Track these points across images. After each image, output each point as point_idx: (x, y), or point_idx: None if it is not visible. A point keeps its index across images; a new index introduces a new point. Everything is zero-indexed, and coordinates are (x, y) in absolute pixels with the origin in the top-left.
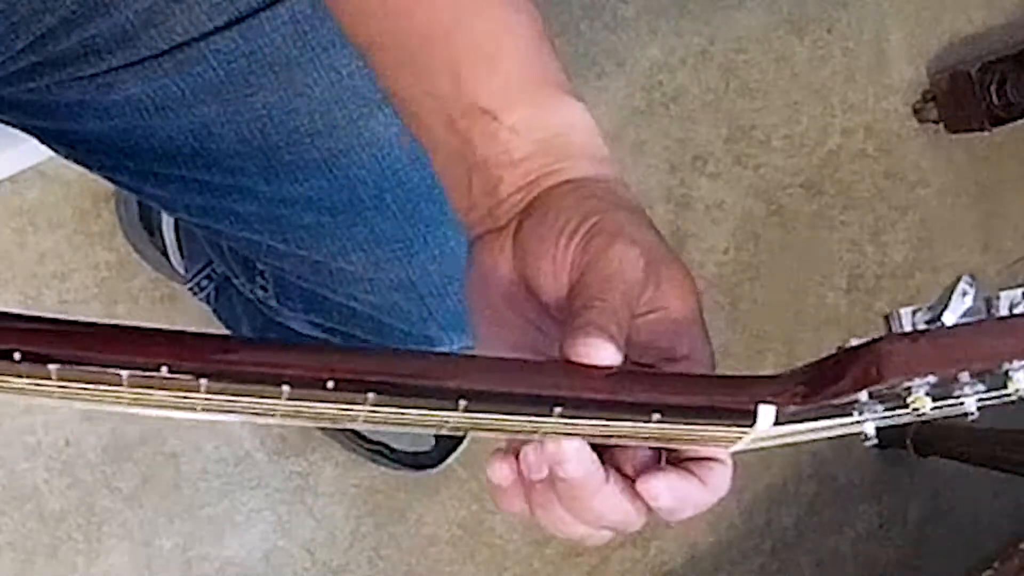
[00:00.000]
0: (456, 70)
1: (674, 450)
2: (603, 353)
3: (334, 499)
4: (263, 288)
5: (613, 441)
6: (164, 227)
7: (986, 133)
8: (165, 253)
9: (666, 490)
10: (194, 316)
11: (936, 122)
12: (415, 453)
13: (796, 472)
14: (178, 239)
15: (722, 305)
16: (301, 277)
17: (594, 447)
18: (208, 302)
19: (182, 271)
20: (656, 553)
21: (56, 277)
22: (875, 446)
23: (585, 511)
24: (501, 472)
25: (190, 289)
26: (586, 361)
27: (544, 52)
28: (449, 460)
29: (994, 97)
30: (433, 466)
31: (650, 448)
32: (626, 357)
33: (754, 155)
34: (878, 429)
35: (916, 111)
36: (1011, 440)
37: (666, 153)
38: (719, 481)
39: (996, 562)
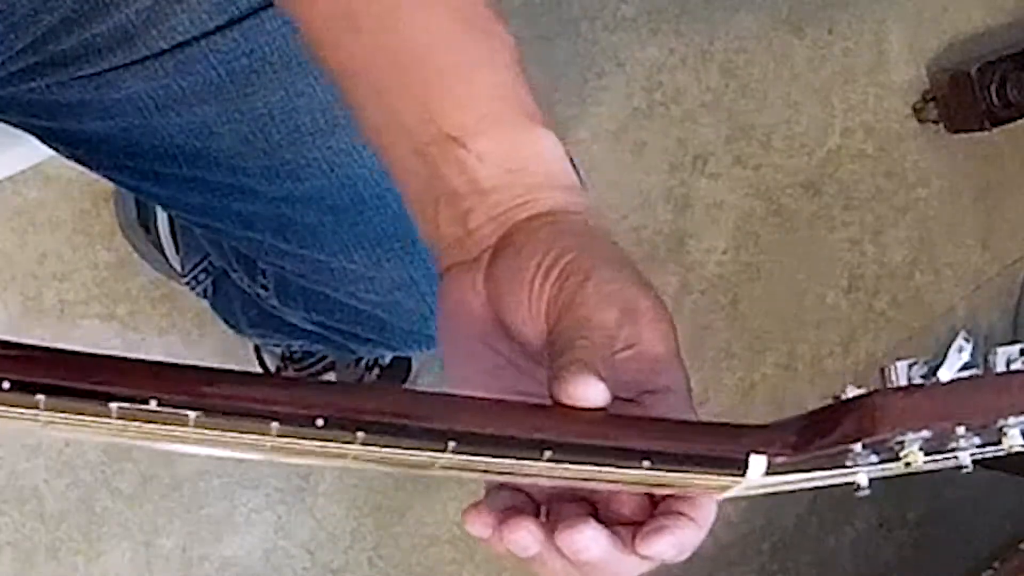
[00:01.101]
0: (425, 98)
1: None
2: (593, 391)
3: (334, 499)
4: (264, 287)
5: (601, 486)
6: (159, 223)
7: (986, 133)
8: (162, 250)
9: (669, 547)
10: (194, 316)
11: (936, 122)
12: None
13: None
14: (173, 235)
15: (722, 305)
16: (302, 276)
17: (588, 498)
18: (205, 296)
19: (178, 267)
20: None
21: (56, 277)
22: None
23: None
24: (478, 528)
25: (187, 283)
26: (576, 401)
27: (516, 81)
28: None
29: (994, 97)
30: None
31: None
32: None
33: (754, 155)
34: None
35: (916, 111)
36: None
37: (666, 153)
38: (708, 513)
39: (996, 562)
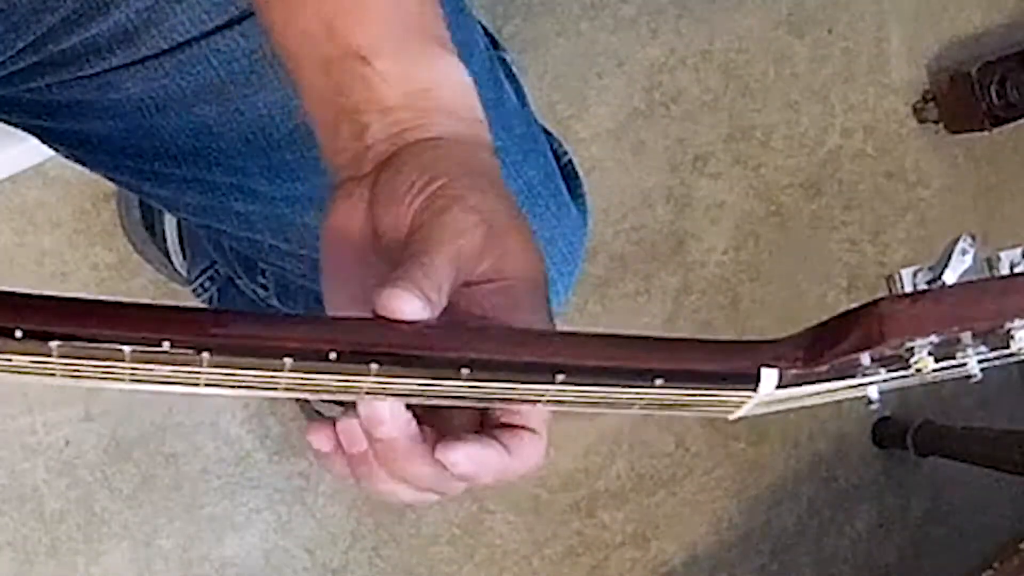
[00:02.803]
0: (327, 11)
1: (496, 412)
2: (407, 306)
3: (334, 499)
4: (264, 287)
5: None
6: (167, 228)
7: (986, 133)
8: (167, 254)
9: (464, 459)
10: None
11: (936, 122)
12: None
13: (796, 472)
14: (180, 240)
15: (722, 305)
16: (303, 276)
17: (419, 415)
18: (210, 303)
19: (184, 273)
20: (656, 553)
21: (56, 277)
22: (875, 446)
23: (400, 472)
24: (319, 440)
25: (193, 291)
26: (386, 313)
27: (424, 6)
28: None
29: (994, 97)
30: None
31: (475, 409)
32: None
33: (754, 155)
34: (878, 423)
35: (916, 111)
36: (1011, 440)
37: (666, 153)
38: (528, 451)
39: (996, 562)
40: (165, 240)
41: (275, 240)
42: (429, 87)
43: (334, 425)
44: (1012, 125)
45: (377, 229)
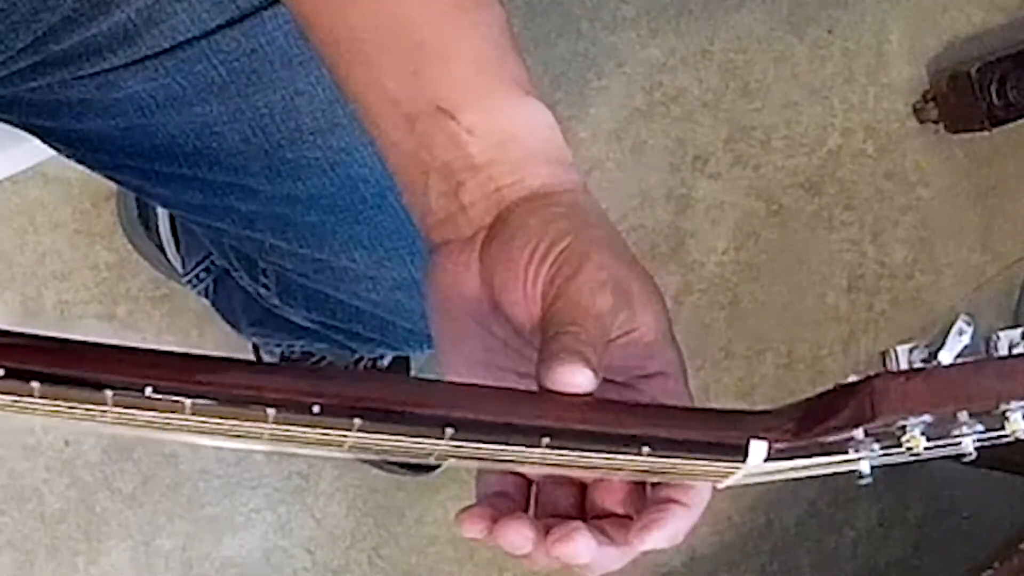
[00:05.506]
0: (410, 68)
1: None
2: (579, 379)
3: (334, 499)
4: (265, 287)
5: (600, 474)
6: (160, 222)
7: (986, 133)
8: (161, 248)
9: (664, 538)
10: (194, 316)
11: (936, 122)
12: None
13: None
14: (174, 234)
15: (722, 305)
16: (304, 275)
17: (575, 491)
18: (206, 295)
19: (179, 266)
20: (656, 553)
21: (56, 277)
22: None
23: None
24: (472, 531)
25: (188, 282)
26: (562, 388)
27: (504, 52)
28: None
29: (994, 97)
30: (433, 468)
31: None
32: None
33: (754, 155)
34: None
35: (916, 111)
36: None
37: (666, 153)
38: (701, 495)
39: (996, 562)
40: (159, 234)
41: (275, 239)
42: (517, 137)
43: (486, 514)
44: (1012, 125)
45: (497, 300)
